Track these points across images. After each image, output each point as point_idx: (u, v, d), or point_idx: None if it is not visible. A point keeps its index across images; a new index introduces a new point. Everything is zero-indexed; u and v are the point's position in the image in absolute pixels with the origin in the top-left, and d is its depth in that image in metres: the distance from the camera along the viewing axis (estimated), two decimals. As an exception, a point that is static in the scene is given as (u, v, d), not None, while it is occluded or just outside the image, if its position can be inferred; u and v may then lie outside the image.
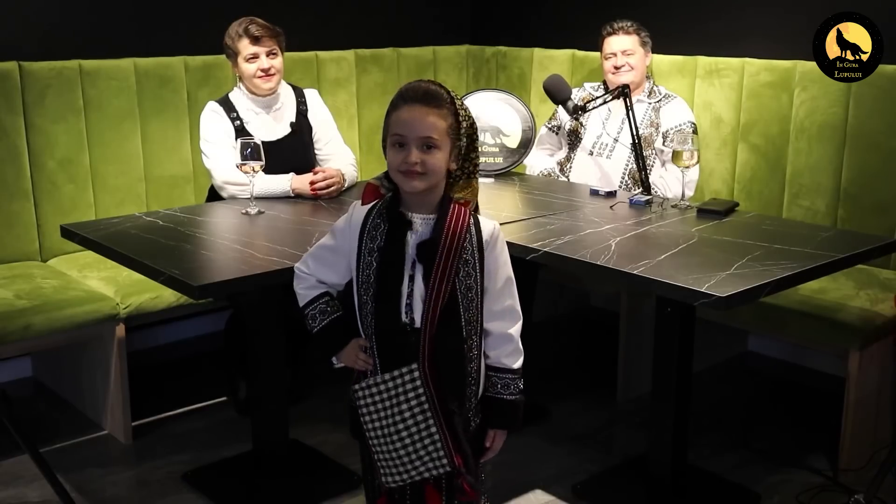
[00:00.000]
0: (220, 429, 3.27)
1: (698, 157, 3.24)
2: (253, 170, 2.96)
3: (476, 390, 1.97)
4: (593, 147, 3.66)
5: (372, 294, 1.90)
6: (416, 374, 1.87)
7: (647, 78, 3.66)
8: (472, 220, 1.91)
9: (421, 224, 1.90)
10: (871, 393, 2.99)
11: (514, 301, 1.97)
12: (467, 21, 4.79)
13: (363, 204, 1.94)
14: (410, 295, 1.88)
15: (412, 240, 1.89)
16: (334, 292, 2.02)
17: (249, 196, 3.01)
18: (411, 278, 1.88)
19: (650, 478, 2.82)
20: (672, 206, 3.08)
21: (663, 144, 3.51)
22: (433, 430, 1.89)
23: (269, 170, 3.08)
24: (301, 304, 2.02)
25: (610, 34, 3.59)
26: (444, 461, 1.90)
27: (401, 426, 1.88)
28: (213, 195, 3.34)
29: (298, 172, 3.23)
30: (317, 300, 2.00)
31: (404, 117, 1.85)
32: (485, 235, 1.92)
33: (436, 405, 1.88)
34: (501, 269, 1.95)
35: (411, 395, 1.87)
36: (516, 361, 1.98)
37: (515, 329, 1.98)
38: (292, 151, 3.32)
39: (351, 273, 1.96)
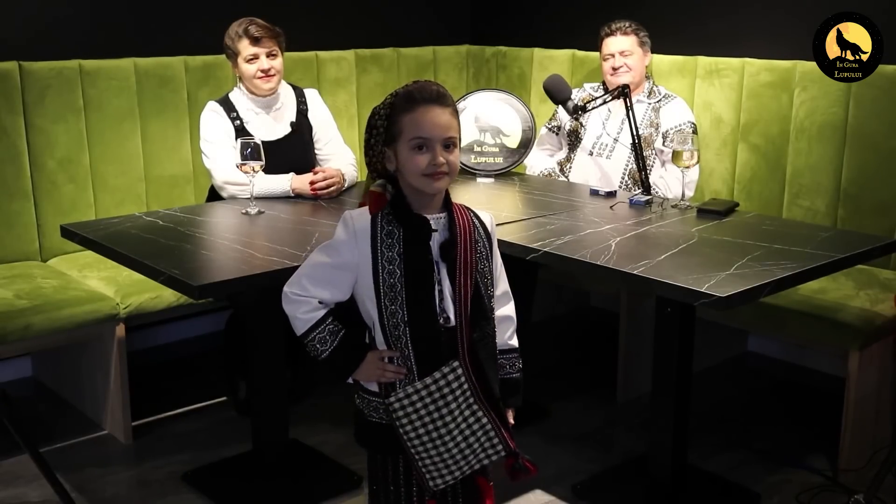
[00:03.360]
0: (220, 429, 3.27)
1: (698, 158, 3.24)
2: (253, 170, 2.96)
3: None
4: (593, 147, 3.66)
5: (402, 302, 1.87)
6: (460, 370, 1.87)
7: (647, 78, 3.66)
8: (472, 213, 1.96)
9: (434, 224, 1.90)
10: (871, 393, 2.99)
11: (506, 283, 2.05)
12: (467, 21, 4.79)
13: (372, 213, 1.90)
14: (441, 295, 1.89)
15: (433, 241, 1.89)
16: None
17: (249, 196, 3.01)
18: (438, 279, 1.89)
19: (650, 478, 2.82)
20: (672, 206, 3.08)
21: (663, 144, 3.51)
22: (484, 420, 1.90)
23: (269, 170, 3.08)
24: (302, 329, 1.93)
25: (608, 35, 3.59)
26: (500, 447, 1.93)
27: (451, 425, 1.88)
28: (213, 195, 3.34)
29: (298, 172, 3.23)
30: (322, 322, 1.92)
31: (425, 118, 1.84)
32: (487, 225, 1.98)
33: (480, 395, 1.89)
34: (498, 255, 2.02)
35: (458, 392, 1.87)
36: (515, 339, 2.06)
37: (511, 308, 2.05)
38: (292, 151, 3.31)
39: (353, 287, 1.92)
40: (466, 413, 1.89)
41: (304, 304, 1.92)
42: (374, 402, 1.94)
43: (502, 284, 2.03)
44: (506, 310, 2.03)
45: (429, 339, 1.88)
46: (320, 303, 1.93)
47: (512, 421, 2.04)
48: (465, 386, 1.88)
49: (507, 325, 2.03)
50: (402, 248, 1.87)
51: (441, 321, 1.88)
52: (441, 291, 1.89)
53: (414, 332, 1.88)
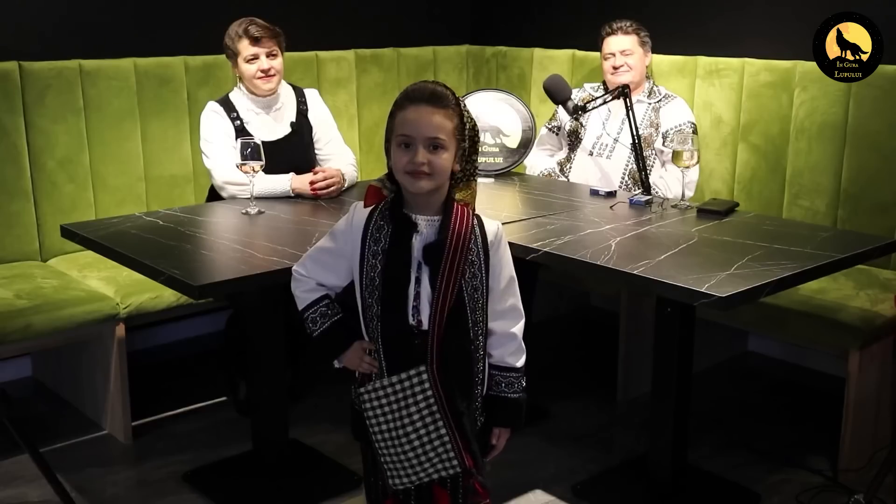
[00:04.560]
0: (220, 429, 3.27)
1: (698, 158, 3.24)
2: (253, 170, 2.96)
3: (482, 390, 1.98)
4: (593, 147, 3.66)
5: (377, 297, 1.89)
6: (425, 376, 1.87)
7: (647, 78, 3.66)
8: (475, 221, 1.93)
9: (426, 226, 1.90)
10: (871, 393, 2.99)
11: (516, 300, 1.99)
12: (467, 21, 4.79)
13: (365, 207, 1.93)
14: (417, 297, 1.88)
15: (417, 242, 1.88)
16: (333, 294, 2.02)
17: (249, 196, 3.01)
18: (417, 280, 1.88)
19: (650, 478, 2.82)
20: (672, 207, 3.08)
21: (663, 145, 3.51)
22: (443, 431, 1.89)
23: (269, 170, 3.08)
24: (300, 307, 2.01)
25: (609, 34, 3.60)
26: (455, 462, 1.91)
27: (409, 428, 1.88)
28: (213, 195, 3.34)
29: (298, 172, 3.23)
30: (317, 303, 1.99)
31: (411, 117, 1.85)
32: (489, 236, 1.94)
33: (444, 406, 1.88)
34: (505, 268, 1.97)
35: (420, 397, 1.87)
36: (519, 360, 2.00)
37: (518, 328, 1.99)
38: (292, 151, 3.32)
39: (352, 275, 1.95)
40: (428, 421, 1.88)
41: (304, 283, 2.01)
42: (357, 390, 1.97)
43: (510, 300, 1.98)
44: (510, 327, 1.98)
45: (397, 339, 1.89)
46: (320, 285, 1.99)
47: (496, 442, 2.02)
48: (430, 393, 1.87)
49: (508, 343, 1.98)
50: (386, 244, 1.89)
51: (413, 323, 1.88)
52: (419, 294, 1.88)
53: (385, 328, 1.90)
